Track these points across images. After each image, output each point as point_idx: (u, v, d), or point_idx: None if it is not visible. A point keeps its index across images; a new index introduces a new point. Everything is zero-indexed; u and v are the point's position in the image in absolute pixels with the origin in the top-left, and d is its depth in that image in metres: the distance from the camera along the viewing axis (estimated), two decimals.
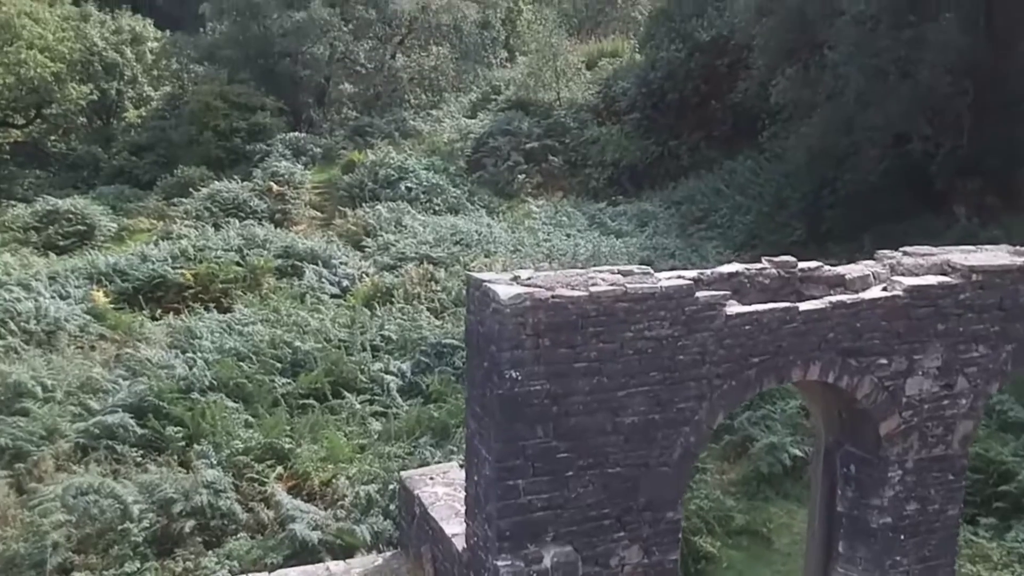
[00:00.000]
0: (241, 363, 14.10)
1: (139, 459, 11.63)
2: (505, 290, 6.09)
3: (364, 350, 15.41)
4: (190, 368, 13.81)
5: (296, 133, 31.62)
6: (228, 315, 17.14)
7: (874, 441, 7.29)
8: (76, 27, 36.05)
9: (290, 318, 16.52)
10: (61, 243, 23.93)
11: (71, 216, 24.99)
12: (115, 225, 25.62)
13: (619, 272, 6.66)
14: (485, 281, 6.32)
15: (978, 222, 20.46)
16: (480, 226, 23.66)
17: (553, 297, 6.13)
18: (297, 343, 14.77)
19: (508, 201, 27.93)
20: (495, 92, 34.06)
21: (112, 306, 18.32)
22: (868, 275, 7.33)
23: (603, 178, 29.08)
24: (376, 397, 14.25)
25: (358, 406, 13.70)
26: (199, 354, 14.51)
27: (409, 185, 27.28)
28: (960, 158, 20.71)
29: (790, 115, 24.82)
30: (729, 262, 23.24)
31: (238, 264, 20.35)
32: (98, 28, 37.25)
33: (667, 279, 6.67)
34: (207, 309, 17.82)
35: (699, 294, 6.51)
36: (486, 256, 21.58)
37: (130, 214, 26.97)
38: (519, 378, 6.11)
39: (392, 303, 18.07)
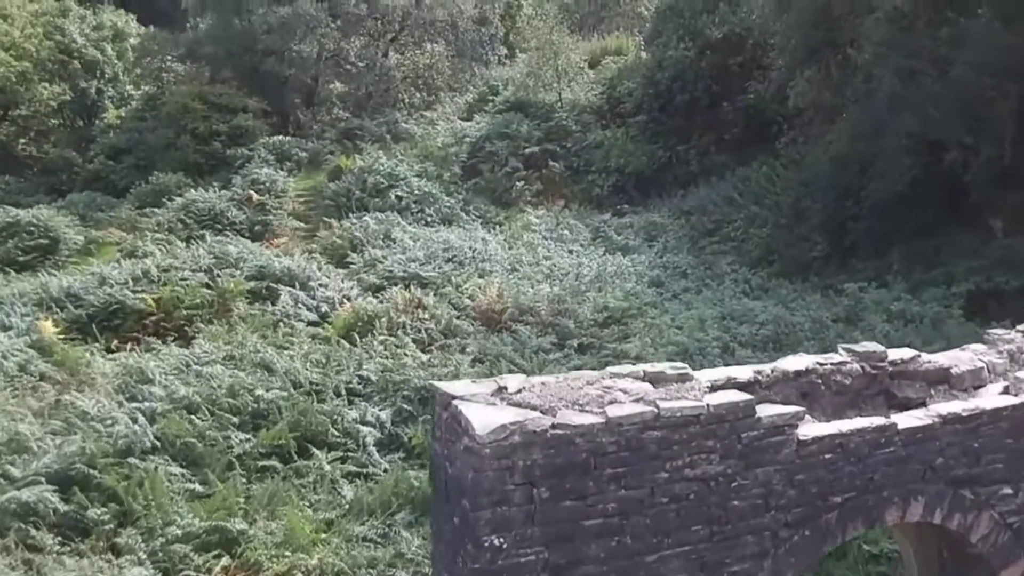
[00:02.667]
0: (193, 416, 12.16)
1: (58, 547, 9.70)
2: (484, 419, 4.16)
3: (339, 395, 13.48)
4: (133, 422, 11.88)
5: (280, 137, 29.64)
6: (188, 351, 15.21)
7: None
8: (51, 22, 34.23)
9: (256, 355, 14.60)
10: (21, 259, 21.94)
11: (33, 228, 23.01)
12: (81, 238, 23.70)
13: (645, 374, 4.73)
14: (455, 398, 4.39)
15: (1019, 239, 18.60)
16: (474, 241, 21.71)
17: (553, 427, 4.21)
18: (259, 391, 12.79)
19: (506, 210, 25.98)
20: (493, 93, 32.05)
21: (62, 337, 16.39)
22: (981, 368, 5.43)
23: (607, 185, 27.13)
24: (350, 454, 12.33)
25: (327, 467, 11.78)
26: (147, 403, 12.58)
27: (399, 194, 25.33)
28: (998, 167, 18.79)
29: (810, 119, 22.93)
30: (746, 281, 21.42)
31: (207, 286, 18.42)
32: (77, 24, 35.41)
33: (713, 385, 4.74)
34: (165, 342, 15.92)
35: (762, 412, 4.58)
36: (480, 276, 19.66)
37: (100, 225, 25.09)
38: (504, 546, 4.20)
39: (374, 334, 16.16)
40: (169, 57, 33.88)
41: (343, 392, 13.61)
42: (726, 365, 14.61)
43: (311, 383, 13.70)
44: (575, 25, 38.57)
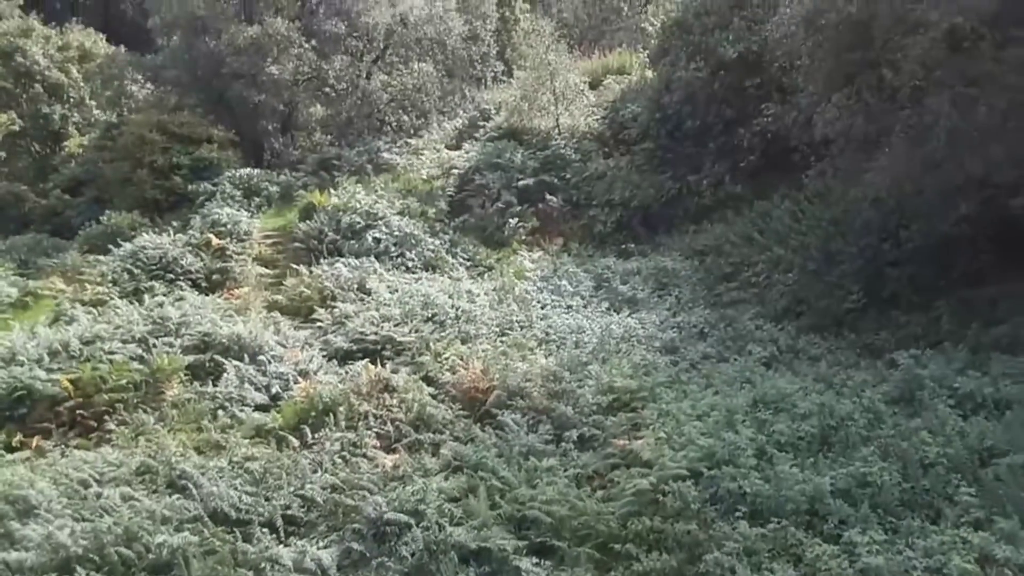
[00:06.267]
0: None
1: None
2: None
3: (272, 529, 10.58)
4: None
5: (249, 170, 26.77)
6: (93, 458, 12.31)
7: None
8: (11, 44, 31.68)
9: (177, 466, 11.70)
10: None
11: None
12: (16, 291, 20.88)
13: None
14: None
15: None
16: (458, 297, 18.78)
17: None
18: (163, 536, 9.88)
19: (497, 252, 23.07)
20: (484, 117, 29.17)
21: None
22: None
23: (611, 221, 24.25)
24: None
25: None
26: (17, 552, 9.70)
27: (377, 235, 22.45)
28: None
29: (841, 149, 20.02)
30: (773, 340, 18.24)
31: (138, 360, 15.58)
32: (41, 44, 32.84)
33: None
34: (70, 442, 13.06)
35: None
36: (463, 342, 16.78)
37: (43, 273, 22.28)
38: None
39: (329, 429, 13.27)
40: (138, 80, 31.14)
41: (278, 523, 10.70)
42: (763, 478, 11.79)
43: (238, 510, 10.80)
44: (574, 40, 35.76)
